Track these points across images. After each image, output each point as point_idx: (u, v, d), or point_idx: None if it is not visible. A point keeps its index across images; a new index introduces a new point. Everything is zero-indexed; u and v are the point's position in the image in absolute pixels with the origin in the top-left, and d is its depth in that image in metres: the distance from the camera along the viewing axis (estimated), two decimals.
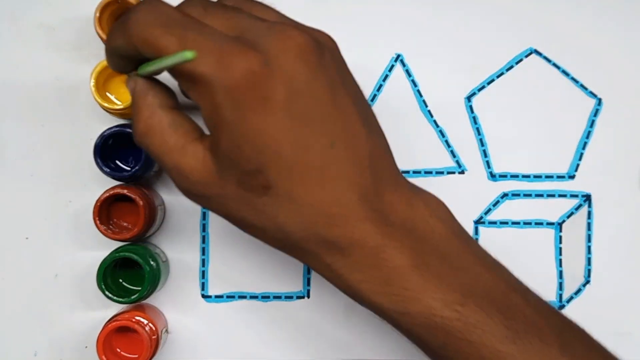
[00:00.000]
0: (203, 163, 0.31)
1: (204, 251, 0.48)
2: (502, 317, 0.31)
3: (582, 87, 0.48)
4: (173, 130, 0.31)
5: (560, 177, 0.48)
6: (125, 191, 0.44)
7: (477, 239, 0.48)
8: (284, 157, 0.30)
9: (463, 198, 0.48)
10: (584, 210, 0.48)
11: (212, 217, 0.48)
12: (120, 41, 0.31)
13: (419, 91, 0.48)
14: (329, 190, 0.31)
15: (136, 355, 0.44)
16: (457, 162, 0.48)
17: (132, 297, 0.44)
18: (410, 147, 0.47)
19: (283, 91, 0.29)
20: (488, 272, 0.33)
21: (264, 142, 0.30)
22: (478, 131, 0.48)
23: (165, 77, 0.33)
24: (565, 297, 0.48)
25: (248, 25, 0.31)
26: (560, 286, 0.48)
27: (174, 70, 0.31)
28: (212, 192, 0.31)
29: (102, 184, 0.46)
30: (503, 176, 0.48)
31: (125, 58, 0.32)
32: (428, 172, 0.48)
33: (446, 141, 0.48)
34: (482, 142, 0.48)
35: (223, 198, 0.31)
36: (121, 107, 0.43)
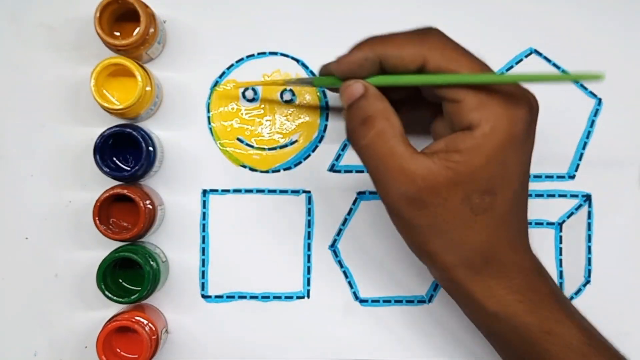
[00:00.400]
0: (434, 173, 0.35)
1: (203, 251, 0.48)
2: (614, 352, 0.39)
3: (582, 87, 0.48)
4: (404, 138, 0.36)
5: (561, 177, 0.48)
6: (125, 191, 0.44)
7: None
8: (514, 188, 0.36)
9: None
10: (584, 210, 0.48)
11: (212, 217, 0.48)
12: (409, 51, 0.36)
13: None
14: (521, 225, 0.38)
15: (136, 355, 0.44)
16: None
17: (132, 297, 0.44)
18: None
19: (533, 139, 0.37)
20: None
21: (509, 170, 0.36)
22: None
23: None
24: None
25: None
26: (561, 286, 0.48)
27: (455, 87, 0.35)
28: (432, 200, 0.35)
29: (102, 184, 0.46)
30: None
31: (372, 63, 0.36)
32: None
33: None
34: None
35: (440, 207, 0.35)
36: (121, 107, 0.43)
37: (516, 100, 0.35)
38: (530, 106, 0.36)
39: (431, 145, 0.37)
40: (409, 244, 0.39)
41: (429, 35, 0.36)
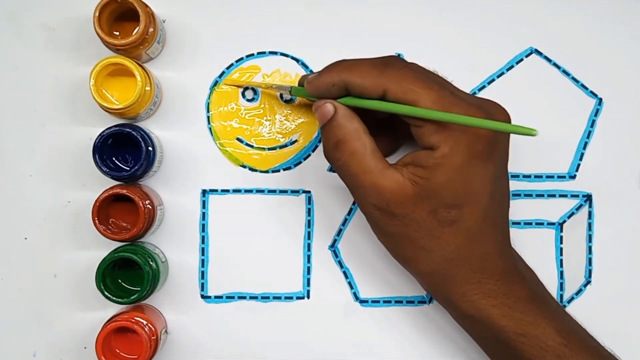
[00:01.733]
0: (402, 186, 0.38)
1: (203, 251, 0.48)
2: (595, 351, 0.40)
3: (583, 87, 0.48)
4: (374, 155, 0.38)
5: (561, 177, 0.48)
6: (124, 191, 0.43)
7: None
8: (482, 203, 0.38)
9: None
10: (585, 210, 0.48)
11: (212, 217, 0.48)
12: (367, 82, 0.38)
13: None
14: (492, 234, 0.40)
15: (135, 356, 0.44)
16: None
17: (131, 297, 0.44)
18: (411, 147, 0.47)
19: (503, 155, 0.40)
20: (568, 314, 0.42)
21: (474, 187, 0.38)
22: None
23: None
24: (566, 297, 0.48)
25: (480, 102, 0.39)
26: (561, 286, 0.48)
27: (411, 117, 0.37)
28: (401, 211, 0.38)
29: (101, 184, 0.46)
30: None
31: (339, 88, 0.39)
32: None
33: None
34: None
35: (408, 218, 0.38)
36: (120, 107, 0.43)
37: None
38: None
39: (402, 157, 0.39)
40: (388, 250, 0.42)
41: (390, 66, 0.38)
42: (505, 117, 0.40)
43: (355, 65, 0.39)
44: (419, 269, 0.40)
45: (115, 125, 0.44)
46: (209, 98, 0.48)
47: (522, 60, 0.48)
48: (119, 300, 0.44)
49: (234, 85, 0.48)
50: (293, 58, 0.48)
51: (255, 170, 0.48)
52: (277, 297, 0.48)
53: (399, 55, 0.48)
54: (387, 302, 0.48)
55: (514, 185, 0.48)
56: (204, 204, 0.48)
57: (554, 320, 0.39)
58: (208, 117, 0.48)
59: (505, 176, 0.40)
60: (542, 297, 0.41)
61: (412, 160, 0.38)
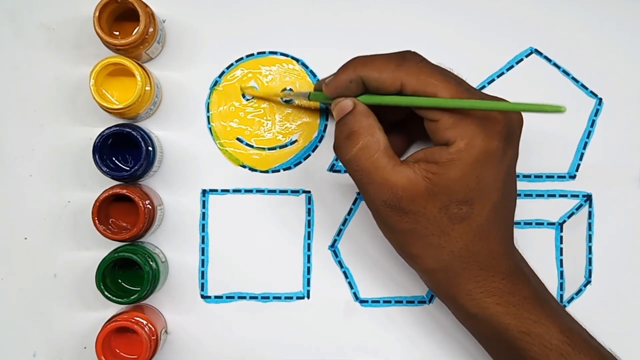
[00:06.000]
0: (414, 183, 0.38)
1: (203, 251, 0.48)
2: (596, 351, 0.40)
3: (583, 87, 0.48)
4: (387, 152, 0.38)
5: (561, 177, 0.48)
6: (124, 191, 0.43)
7: None
8: (493, 200, 0.38)
9: None
10: (585, 210, 0.48)
11: (212, 217, 0.48)
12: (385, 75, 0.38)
13: None
14: (500, 232, 0.40)
15: (135, 356, 0.44)
16: None
17: (131, 297, 0.44)
18: (412, 147, 0.47)
19: (514, 154, 0.39)
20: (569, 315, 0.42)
21: (486, 183, 0.37)
22: None
23: None
24: (566, 297, 0.48)
25: (494, 98, 0.39)
26: (561, 286, 0.48)
27: (428, 109, 0.37)
28: (412, 208, 0.38)
29: (101, 184, 0.46)
30: None
31: (357, 84, 0.39)
32: None
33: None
34: None
35: (419, 215, 0.38)
36: (120, 106, 0.43)
37: (493, 116, 0.37)
38: (509, 121, 0.38)
39: (413, 154, 0.39)
40: (394, 247, 0.41)
41: (407, 59, 0.38)
42: (518, 114, 0.40)
43: (372, 59, 0.39)
44: (426, 266, 0.40)
45: (115, 125, 0.44)
46: (209, 98, 0.48)
47: (522, 60, 0.48)
48: (119, 300, 0.44)
49: (257, 97, 0.48)
50: (293, 58, 0.48)
51: (255, 170, 0.48)
52: (277, 297, 0.48)
53: None
54: (387, 302, 0.48)
55: None
56: (204, 204, 0.48)
57: (557, 320, 0.39)
58: (208, 117, 0.48)
59: (514, 175, 0.40)
60: (545, 297, 0.41)
61: (424, 157, 0.38)
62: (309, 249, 0.48)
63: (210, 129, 0.48)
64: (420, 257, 0.40)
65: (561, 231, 0.48)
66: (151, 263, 0.44)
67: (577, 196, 0.48)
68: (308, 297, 0.48)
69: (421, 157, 0.38)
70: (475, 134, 0.37)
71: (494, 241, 0.39)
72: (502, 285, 0.39)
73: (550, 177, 0.48)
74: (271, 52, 0.48)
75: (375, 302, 0.48)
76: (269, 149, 0.48)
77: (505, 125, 0.37)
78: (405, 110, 0.41)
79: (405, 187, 0.38)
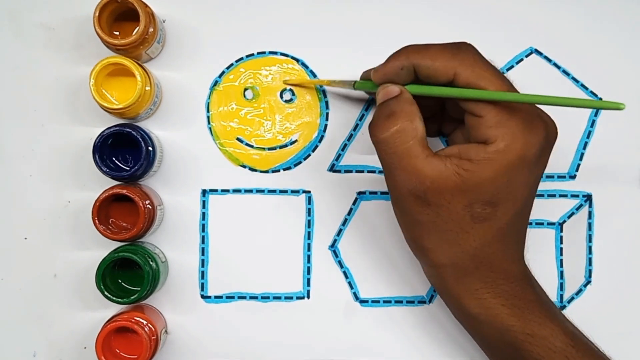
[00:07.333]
0: (444, 176, 0.37)
1: (203, 251, 0.48)
2: (597, 356, 0.39)
3: (583, 87, 0.48)
4: (422, 141, 0.38)
5: (561, 177, 0.48)
6: (124, 191, 0.43)
7: None
8: (517, 206, 0.38)
9: None
10: (585, 210, 0.48)
11: (212, 217, 0.48)
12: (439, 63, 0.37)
13: None
14: (516, 238, 0.40)
15: (135, 356, 0.44)
16: None
17: (131, 297, 0.44)
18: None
19: (545, 164, 0.39)
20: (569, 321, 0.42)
21: (515, 188, 0.37)
22: None
23: None
24: (566, 297, 0.48)
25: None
26: (561, 286, 0.48)
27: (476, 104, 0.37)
28: (437, 200, 0.37)
29: (101, 184, 0.46)
30: None
31: (407, 72, 0.38)
32: None
33: (447, 141, 0.48)
34: None
35: (443, 208, 0.37)
36: (120, 106, 0.43)
37: (535, 125, 0.37)
38: (547, 132, 0.38)
39: (446, 148, 0.39)
40: (407, 237, 0.41)
41: (462, 50, 0.38)
42: (555, 126, 0.40)
43: (426, 48, 0.38)
44: (436, 261, 0.40)
45: (115, 125, 0.44)
46: (209, 98, 0.48)
47: (522, 60, 0.48)
48: (119, 300, 0.44)
49: (297, 85, 0.48)
50: (293, 58, 0.48)
51: (255, 170, 0.48)
52: (277, 297, 0.48)
53: None
54: (387, 302, 0.48)
55: None
56: (204, 204, 0.48)
57: (561, 324, 0.39)
58: (208, 117, 0.48)
59: (538, 185, 0.40)
60: (548, 302, 0.41)
61: (458, 152, 0.38)
62: (309, 249, 0.48)
63: (210, 129, 0.48)
64: (432, 250, 0.39)
65: (561, 231, 0.48)
66: (151, 263, 0.44)
67: (577, 196, 0.48)
68: (308, 297, 0.48)
69: (455, 153, 0.38)
70: (517, 137, 0.36)
71: (510, 245, 0.39)
72: (509, 289, 0.39)
73: (550, 177, 0.48)
74: (271, 52, 0.48)
75: (375, 302, 0.48)
76: (269, 149, 0.48)
77: (544, 135, 0.37)
78: (436, 108, 0.42)
79: (434, 179, 0.37)
